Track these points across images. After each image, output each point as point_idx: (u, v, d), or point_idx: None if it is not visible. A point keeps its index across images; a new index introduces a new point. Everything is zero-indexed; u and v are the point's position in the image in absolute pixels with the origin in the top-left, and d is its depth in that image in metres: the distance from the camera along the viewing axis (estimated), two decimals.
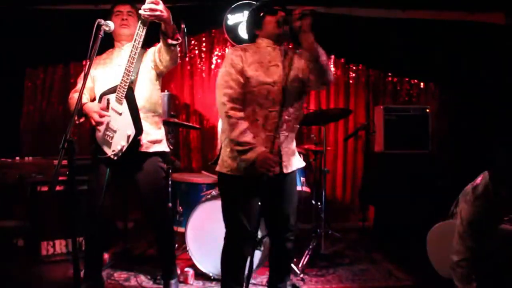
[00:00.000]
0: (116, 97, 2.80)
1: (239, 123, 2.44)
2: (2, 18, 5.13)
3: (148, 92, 3.00)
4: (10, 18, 5.17)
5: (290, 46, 2.71)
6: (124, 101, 2.78)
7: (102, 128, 2.87)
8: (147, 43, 2.97)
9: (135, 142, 2.81)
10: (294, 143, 2.71)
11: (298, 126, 2.70)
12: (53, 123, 5.38)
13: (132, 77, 2.80)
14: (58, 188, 3.89)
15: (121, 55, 3.02)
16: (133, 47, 2.74)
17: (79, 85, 3.05)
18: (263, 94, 2.49)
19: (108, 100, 2.83)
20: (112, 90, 2.83)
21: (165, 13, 2.57)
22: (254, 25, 2.64)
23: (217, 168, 2.67)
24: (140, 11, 2.57)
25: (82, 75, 2.99)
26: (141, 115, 2.87)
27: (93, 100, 3.04)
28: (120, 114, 2.80)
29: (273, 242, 2.77)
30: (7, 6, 5.13)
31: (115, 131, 2.82)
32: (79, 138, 5.16)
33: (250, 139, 2.43)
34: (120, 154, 2.80)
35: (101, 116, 2.83)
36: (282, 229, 2.68)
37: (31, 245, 3.91)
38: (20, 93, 5.40)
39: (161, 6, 2.54)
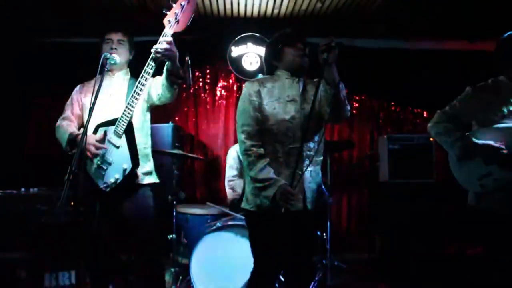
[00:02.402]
0: (115, 130, 2.75)
1: (258, 161, 2.44)
2: (10, 50, 5.26)
3: (140, 123, 2.95)
4: (16, 49, 5.30)
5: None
6: (124, 135, 2.75)
7: (95, 159, 2.80)
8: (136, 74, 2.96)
9: (131, 176, 2.76)
10: (320, 176, 2.67)
11: (321, 158, 2.66)
12: (58, 154, 5.38)
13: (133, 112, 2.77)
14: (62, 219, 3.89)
15: (112, 84, 2.98)
16: (139, 83, 2.71)
17: (67, 112, 3.04)
18: (282, 131, 2.48)
19: (105, 132, 2.78)
20: (110, 123, 2.78)
21: (175, 53, 2.59)
22: (273, 56, 2.63)
23: (242, 205, 2.65)
24: (152, 50, 2.58)
25: (69, 101, 3.06)
26: None
27: (80, 127, 2.99)
28: (118, 147, 2.75)
29: (292, 276, 2.71)
30: (11, 39, 5.25)
31: (109, 164, 2.76)
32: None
33: (269, 175, 2.42)
34: (113, 186, 2.74)
35: (98, 148, 2.77)
36: (302, 263, 2.63)
37: (34, 277, 3.88)
38: (26, 124, 5.48)
39: (173, 46, 2.56)
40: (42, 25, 5.16)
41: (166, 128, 4.87)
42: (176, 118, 5.57)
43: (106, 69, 2.61)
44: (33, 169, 5.39)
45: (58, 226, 3.80)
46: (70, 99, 3.08)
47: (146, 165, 2.97)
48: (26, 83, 5.31)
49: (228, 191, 4.48)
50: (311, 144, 2.52)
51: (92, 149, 2.76)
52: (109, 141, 2.78)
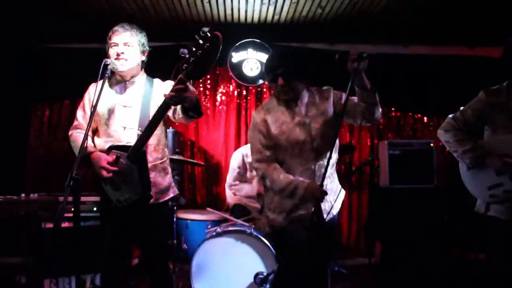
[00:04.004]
0: (128, 156, 2.54)
1: (272, 173, 2.52)
2: (11, 55, 5.29)
3: (156, 139, 2.77)
4: (18, 55, 5.33)
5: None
6: (135, 162, 2.56)
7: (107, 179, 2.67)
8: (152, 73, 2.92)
9: (141, 200, 2.62)
10: (336, 179, 2.74)
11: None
12: (58, 159, 5.41)
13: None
14: (63, 225, 3.88)
15: (125, 93, 2.78)
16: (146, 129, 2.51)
17: (79, 118, 2.85)
18: (296, 153, 2.55)
19: (118, 156, 2.57)
20: (124, 149, 2.59)
21: (190, 96, 2.35)
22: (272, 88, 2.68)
23: (267, 213, 2.76)
24: (165, 94, 2.35)
25: (81, 105, 2.85)
26: (149, 165, 2.67)
27: (93, 132, 2.85)
28: (130, 171, 2.55)
29: (311, 282, 2.73)
30: (15, 44, 5.28)
31: (122, 183, 2.61)
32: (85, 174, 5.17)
33: (288, 177, 2.50)
34: (124, 204, 2.63)
35: (109, 172, 2.57)
36: (320, 270, 2.69)
37: (33, 282, 3.87)
38: (26, 129, 5.49)
39: (186, 92, 2.30)
40: (42, 31, 5.18)
41: (167, 134, 4.87)
42: (176, 124, 5.57)
43: (107, 75, 2.54)
44: (34, 174, 5.41)
45: (58, 231, 3.80)
46: (82, 103, 2.86)
47: (163, 180, 2.81)
48: (27, 89, 5.33)
49: (228, 193, 4.49)
50: (326, 160, 2.51)
51: (104, 173, 2.58)
52: (122, 164, 2.57)
